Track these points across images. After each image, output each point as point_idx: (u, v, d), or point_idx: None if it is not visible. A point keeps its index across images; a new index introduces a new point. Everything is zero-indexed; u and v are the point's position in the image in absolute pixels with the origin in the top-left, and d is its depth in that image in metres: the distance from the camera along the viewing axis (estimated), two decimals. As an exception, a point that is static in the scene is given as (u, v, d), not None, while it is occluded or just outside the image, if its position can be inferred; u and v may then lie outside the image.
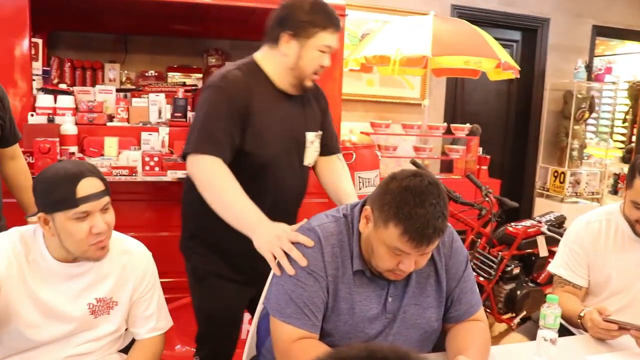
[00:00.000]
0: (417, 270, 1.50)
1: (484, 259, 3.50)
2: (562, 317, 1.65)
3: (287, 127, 1.93)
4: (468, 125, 4.89)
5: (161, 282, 1.75)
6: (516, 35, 5.96)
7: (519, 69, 4.54)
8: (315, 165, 2.12)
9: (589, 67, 5.91)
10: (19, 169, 2.23)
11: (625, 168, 6.00)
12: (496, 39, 4.55)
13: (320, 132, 2.07)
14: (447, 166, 5.45)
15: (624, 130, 7.41)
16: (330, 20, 1.85)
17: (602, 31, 6.19)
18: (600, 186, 5.96)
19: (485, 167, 4.98)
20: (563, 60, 5.94)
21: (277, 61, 1.89)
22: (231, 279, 1.97)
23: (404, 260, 1.41)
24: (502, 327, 3.64)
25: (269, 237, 1.55)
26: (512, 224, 3.68)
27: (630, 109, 7.32)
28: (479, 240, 3.57)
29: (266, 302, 1.58)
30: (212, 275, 1.98)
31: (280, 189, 1.92)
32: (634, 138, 7.03)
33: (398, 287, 1.54)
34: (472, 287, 1.64)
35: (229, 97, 1.79)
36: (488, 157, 5.03)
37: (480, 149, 5.04)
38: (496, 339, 2.73)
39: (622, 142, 7.30)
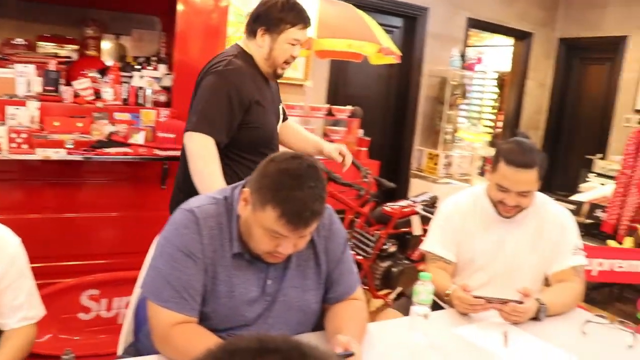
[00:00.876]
0: (296, 253, 1.52)
1: (362, 238, 3.63)
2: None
3: (272, 104, 2.32)
4: (349, 107, 5.00)
5: (32, 267, 1.65)
6: (398, 22, 6.16)
7: (401, 54, 4.70)
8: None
9: (462, 57, 6.25)
10: None
11: (492, 151, 6.44)
12: (379, 24, 4.67)
13: (282, 105, 2.50)
14: (329, 147, 5.54)
15: (492, 117, 7.96)
16: (299, 17, 2.18)
17: (475, 24, 6.56)
18: (470, 168, 6.35)
19: (365, 149, 5.13)
20: (440, 49, 6.23)
21: (256, 51, 2.23)
22: None
23: (282, 243, 1.42)
24: (379, 302, 3.80)
25: None
26: (389, 203, 3.84)
27: (499, 97, 7.87)
28: (358, 219, 3.69)
29: (143, 286, 1.54)
30: None
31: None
32: (500, 125, 7.58)
33: (278, 270, 1.56)
34: (351, 268, 1.69)
35: (232, 85, 2.11)
36: (368, 139, 5.19)
37: (361, 131, 5.18)
38: (373, 315, 2.86)
39: (490, 127, 7.84)
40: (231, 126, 2.13)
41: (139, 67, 3.40)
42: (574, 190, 5.84)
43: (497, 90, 7.99)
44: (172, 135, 2.93)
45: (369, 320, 1.76)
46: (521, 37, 7.09)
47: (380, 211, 3.78)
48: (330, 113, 4.93)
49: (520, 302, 1.85)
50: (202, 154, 2.09)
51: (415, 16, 6.09)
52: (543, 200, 2.19)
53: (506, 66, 7.57)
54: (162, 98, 3.21)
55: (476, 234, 2.17)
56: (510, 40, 7.28)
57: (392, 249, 3.74)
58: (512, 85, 7.32)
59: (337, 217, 1.70)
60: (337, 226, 1.67)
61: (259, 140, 2.24)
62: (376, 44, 4.31)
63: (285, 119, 2.57)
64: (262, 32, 2.18)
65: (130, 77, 3.25)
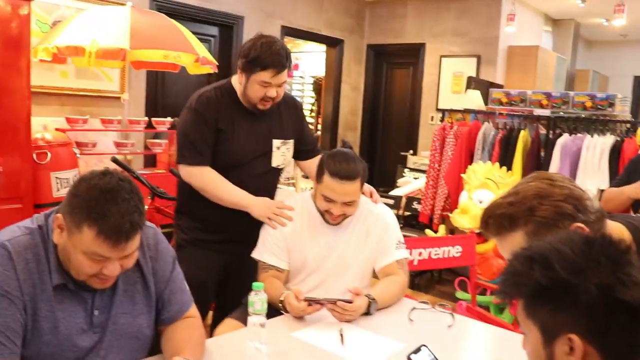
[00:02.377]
0: (123, 278, 1.46)
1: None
2: (267, 301, 1.77)
3: (252, 136, 2.38)
4: (169, 118, 4.87)
5: None
6: (214, 30, 6.12)
7: (217, 63, 4.68)
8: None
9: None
10: None
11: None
12: (195, 33, 4.61)
13: (288, 140, 2.49)
14: (150, 161, 5.35)
15: (312, 120, 8.26)
16: (271, 62, 2.20)
17: (289, 31, 6.76)
18: (295, 172, 6.51)
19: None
20: (257, 56, 6.31)
21: (237, 85, 2.34)
22: (205, 243, 2.39)
23: (107, 265, 1.35)
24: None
25: (262, 207, 2.26)
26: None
27: (316, 102, 8.19)
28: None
29: None
30: (189, 243, 2.41)
31: (253, 183, 2.36)
32: (320, 127, 7.89)
33: (104, 297, 1.47)
34: (182, 286, 1.65)
35: (202, 116, 2.29)
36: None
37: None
38: (210, 328, 2.81)
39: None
40: (211, 149, 2.31)
41: None
42: (393, 185, 6.26)
43: (314, 94, 8.31)
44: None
45: (209, 334, 1.73)
46: (332, 43, 7.44)
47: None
48: (150, 125, 4.75)
49: (350, 301, 1.93)
50: (206, 182, 2.31)
51: (231, 25, 6.11)
52: (366, 202, 2.32)
53: (322, 71, 7.90)
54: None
55: (305, 240, 2.23)
56: (323, 47, 7.61)
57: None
58: (328, 89, 7.65)
59: (163, 237, 1.65)
60: (163, 245, 1.62)
61: (225, 165, 2.33)
62: (193, 54, 4.25)
63: (314, 153, 2.62)
64: (239, 70, 2.28)
65: None
